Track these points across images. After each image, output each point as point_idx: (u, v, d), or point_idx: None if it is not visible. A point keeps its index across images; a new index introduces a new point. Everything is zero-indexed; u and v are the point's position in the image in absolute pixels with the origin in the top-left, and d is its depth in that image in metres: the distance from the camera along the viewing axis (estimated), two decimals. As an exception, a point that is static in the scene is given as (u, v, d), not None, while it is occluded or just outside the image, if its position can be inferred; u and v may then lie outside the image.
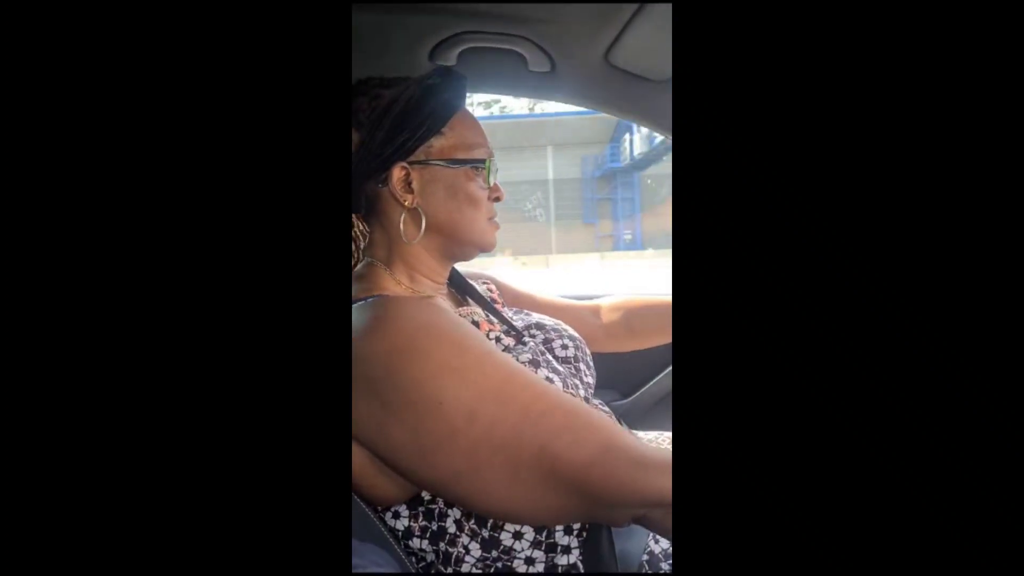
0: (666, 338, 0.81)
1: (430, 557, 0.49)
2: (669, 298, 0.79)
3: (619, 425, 0.47)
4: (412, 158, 0.55)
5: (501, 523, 0.48)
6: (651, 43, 0.74)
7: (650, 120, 0.92)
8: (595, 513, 0.46)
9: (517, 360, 0.50)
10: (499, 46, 0.76)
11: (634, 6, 0.66)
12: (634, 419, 1.02)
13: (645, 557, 0.54)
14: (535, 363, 0.51)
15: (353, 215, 0.58)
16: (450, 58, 0.78)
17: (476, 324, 0.53)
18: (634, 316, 0.78)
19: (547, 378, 0.51)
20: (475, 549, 0.48)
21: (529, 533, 0.48)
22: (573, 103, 0.93)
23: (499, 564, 0.48)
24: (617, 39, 0.73)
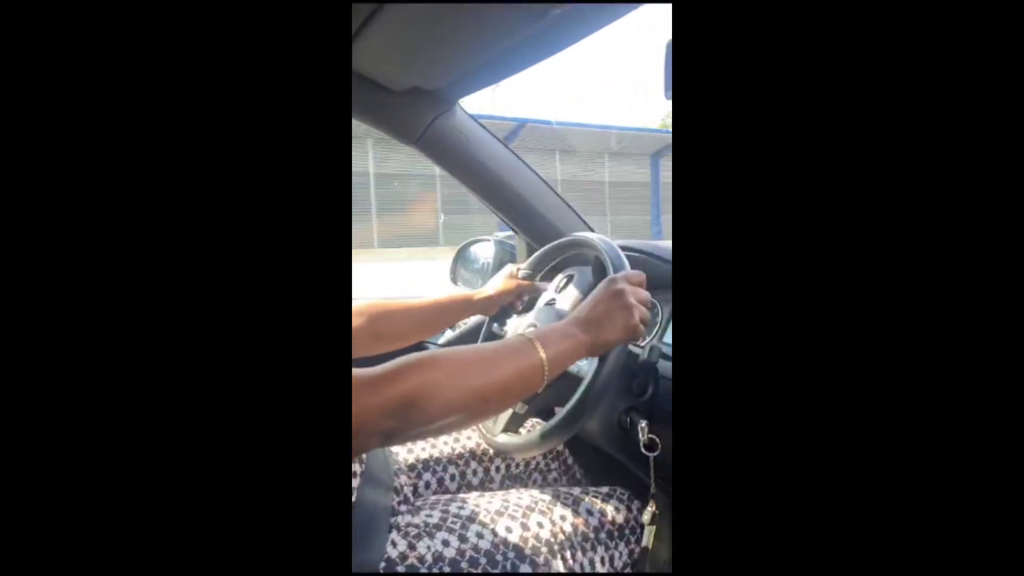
0: (413, 339, 0.81)
1: None
2: (414, 301, 0.79)
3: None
4: None
5: None
6: (386, 50, 0.74)
7: (393, 131, 0.92)
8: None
9: None
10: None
11: (366, 10, 0.66)
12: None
13: (383, 565, 0.52)
14: None
15: None
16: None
17: None
18: (378, 320, 0.77)
19: None
20: None
21: None
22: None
23: None
24: (352, 43, 0.72)
